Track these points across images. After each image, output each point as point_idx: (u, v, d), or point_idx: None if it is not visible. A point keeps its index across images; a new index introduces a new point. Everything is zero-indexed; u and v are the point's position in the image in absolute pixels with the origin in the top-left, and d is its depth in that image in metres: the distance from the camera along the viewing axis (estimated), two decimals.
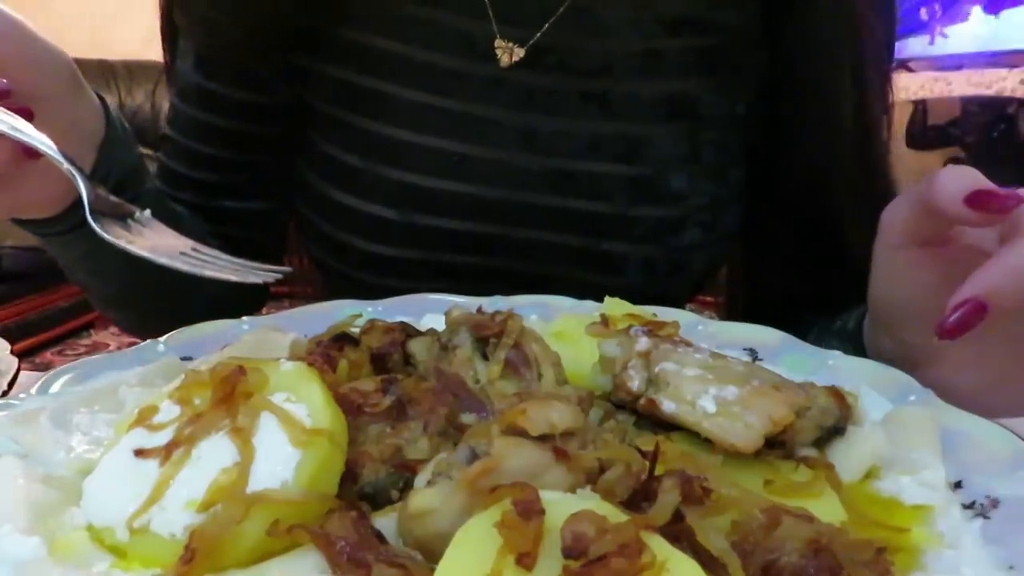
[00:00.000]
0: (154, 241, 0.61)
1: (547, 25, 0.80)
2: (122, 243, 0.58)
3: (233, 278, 0.59)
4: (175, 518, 0.37)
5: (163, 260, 0.58)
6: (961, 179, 0.51)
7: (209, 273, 0.58)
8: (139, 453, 0.40)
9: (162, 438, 0.40)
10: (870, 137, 0.85)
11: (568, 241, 0.83)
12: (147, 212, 0.64)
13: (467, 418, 0.44)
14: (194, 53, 0.88)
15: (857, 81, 0.82)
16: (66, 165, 0.60)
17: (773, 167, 0.88)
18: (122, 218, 0.62)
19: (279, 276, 0.62)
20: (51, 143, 0.60)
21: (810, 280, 0.89)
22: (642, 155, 0.82)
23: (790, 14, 0.82)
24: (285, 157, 0.94)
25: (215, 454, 0.38)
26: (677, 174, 0.83)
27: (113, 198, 0.62)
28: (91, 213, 0.60)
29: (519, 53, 0.80)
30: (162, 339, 0.60)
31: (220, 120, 0.89)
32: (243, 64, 0.86)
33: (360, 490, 0.40)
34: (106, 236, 0.58)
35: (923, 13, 3.51)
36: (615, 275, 0.84)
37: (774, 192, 0.89)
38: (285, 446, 0.38)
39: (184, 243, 0.62)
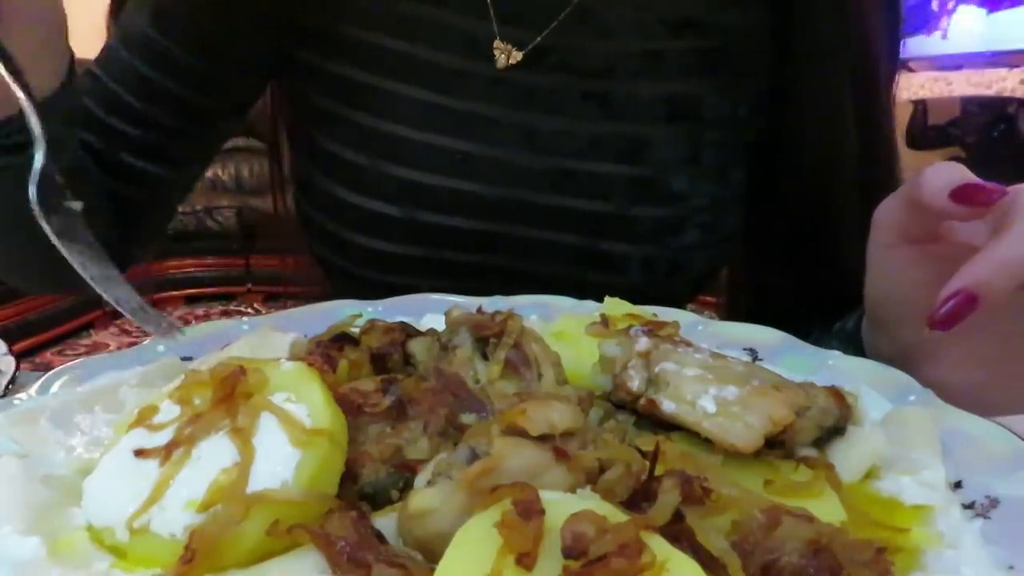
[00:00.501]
0: (80, 243, 0.56)
1: (548, 29, 0.80)
2: (51, 232, 0.53)
3: (132, 319, 0.54)
4: (175, 518, 0.37)
5: (76, 265, 0.53)
6: (946, 175, 0.51)
7: (110, 300, 0.54)
8: (139, 453, 0.40)
9: (162, 438, 0.40)
10: (873, 138, 0.85)
11: (569, 240, 0.83)
12: (78, 205, 0.59)
13: (467, 418, 0.44)
14: (153, 6, 0.85)
15: (859, 80, 0.82)
16: (34, 120, 0.56)
17: (776, 168, 0.88)
18: (55, 201, 0.57)
19: (173, 333, 0.56)
20: (31, 93, 0.56)
21: (811, 281, 0.89)
22: (643, 155, 0.82)
23: (793, 13, 0.82)
24: (208, 131, 0.92)
25: (215, 454, 0.38)
26: (678, 175, 0.83)
27: (58, 178, 0.58)
28: (36, 184, 0.55)
29: (516, 56, 0.80)
30: (162, 339, 0.60)
31: (159, 77, 0.85)
32: (207, 35, 0.84)
33: (360, 490, 0.40)
34: (40, 217, 0.54)
35: (934, 4, 3.51)
36: (616, 275, 0.84)
37: (777, 193, 0.89)
38: (285, 446, 0.38)
39: (101, 261, 0.57)
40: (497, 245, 0.83)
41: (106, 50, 0.88)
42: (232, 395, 0.40)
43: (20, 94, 0.55)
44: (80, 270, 0.53)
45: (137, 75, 0.85)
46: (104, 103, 0.86)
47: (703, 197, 0.84)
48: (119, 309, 0.53)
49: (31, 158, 0.56)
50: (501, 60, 0.80)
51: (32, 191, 0.55)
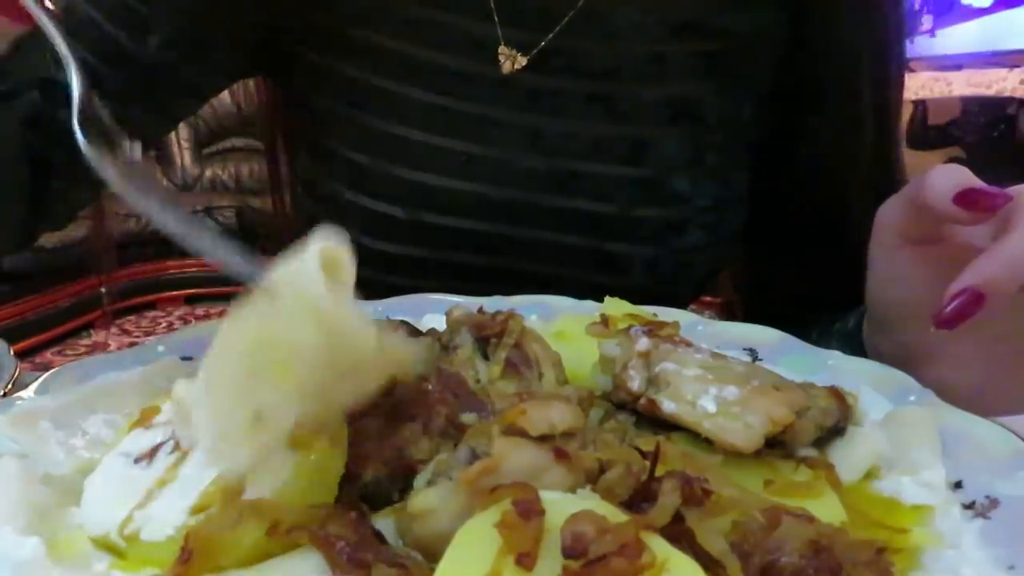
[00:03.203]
0: (140, 187, 0.47)
1: (552, 33, 0.80)
2: (113, 174, 0.45)
3: (216, 260, 0.44)
4: (169, 521, 0.36)
5: (157, 216, 0.44)
6: (950, 178, 0.51)
7: (194, 245, 0.45)
8: (136, 459, 0.40)
9: (161, 441, 0.40)
10: (884, 137, 0.85)
11: (572, 241, 0.83)
12: (136, 146, 0.50)
13: (467, 418, 0.44)
14: None
15: (876, 82, 0.82)
16: (65, 50, 0.49)
17: (784, 168, 0.88)
18: (99, 129, 0.49)
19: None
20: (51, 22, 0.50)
21: (815, 281, 0.89)
22: (646, 157, 0.82)
23: (807, 14, 0.82)
24: (155, 109, 0.86)
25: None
26: (681, 176, 0.83)
27: (106, 113, 0.49)
28: (78, 120, 0.47)
29: (521, 61, 0.80)
30: (162, 339, 0.60)
31: (124, 39, 0.80)
32: (194, 10, 0.80)
33: (360, 490, 0.40)
34: (90, 154, 0.46)
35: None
36: (619, 275, 0.84)
37: (784, 193, 0.89)
38: (284, 448, 0.38)
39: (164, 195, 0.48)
40: (501, 246, 0.83)
41: (66, 4, 0.81)
42: None
43: (41, 15, 0.49)
44: (162, 225, 0.45)
45: (98, 31, 0.79)
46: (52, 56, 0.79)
47: (706, 198, 0.84)
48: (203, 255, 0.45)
49: (66, 86, 0.48)
50: (506, 66, 0.80)
51: (76, 125, 0.48)
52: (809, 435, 0.46)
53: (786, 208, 0.90)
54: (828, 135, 0.86)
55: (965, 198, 0.50)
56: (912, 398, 0.52)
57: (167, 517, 0.37)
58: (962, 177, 0.51)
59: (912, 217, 0.57)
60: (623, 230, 0.83)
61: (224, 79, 0.92)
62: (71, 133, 0.73)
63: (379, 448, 0.42)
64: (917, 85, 3.65)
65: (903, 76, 0.88)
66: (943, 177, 0.52)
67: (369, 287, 0.78)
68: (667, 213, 0.83)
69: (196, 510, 0.36)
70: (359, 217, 0.84)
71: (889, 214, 0.59)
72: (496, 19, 0.80)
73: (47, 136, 0.78)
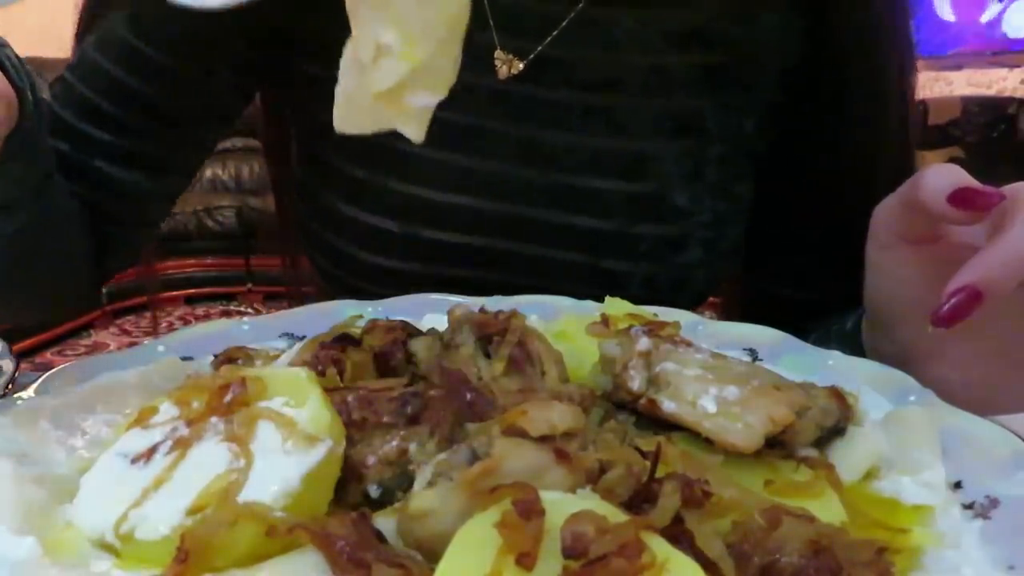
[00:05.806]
0: None
1: (550, 37, 0.79)
2: None
3: None
4: (165, 520, 0.36)
5: None
6: (945, 178, 0.51)
7: None
8: (133, 459, 0.40)
9: (158, 440, 0.40)
10: (907, 138, 0.86)
11: (570, 257, 0.82)
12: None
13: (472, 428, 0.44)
14: (133, 9, 0.81)
15: (902, 78, 0.82)
16: None
17: (795, 175, 0.87)
18: None
19: None
20: None
21: (818, 288, 0.88)
22: (645, 171, 0.81)
23: (839, 15, 0.81)
24: (186, 137, 0.88)
25: (210, 459, 0.38)
26: (680, 191, 0.82)
27: None
28: None
29: (518, 66, 0.79)
30: (162, 339, 0.60)
31: (135, 82, 0.82)
32: (190, 42, 0.81)
33: (365, 491, 0.40)
34: None
35: None
36: (616, 292, 0.83)
37: (791, 200, 0.88)
38: (282, 452, 0.38)
39: None
40: (497, 261, 0.82)
41: (79, 55, 0.85)
42: (230, 401, 0.40)
43: None
44: None
45: (111, 80, 0.82)
46: (76, 108, 0.83)
47: (705, 213, 0.83)
48: None
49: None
50: (503, 71, 0.79)
51: None
52: (809, 435, 0.46)
53: (792, 214, 0.89)
54: (851, 136, 0.84)
55: (959, 197, 0.50)
56: (912, 398, 0.52)
57: (163, 517, 0.36)
58: (956, 176, 0.51)
59: (907, 217, 0.57)
60: (621, 247, 0.82)
61: (241, 100, 0.92)
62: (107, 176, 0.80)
63: (385, 450, 0.42)
64: (917, 85, 3.65)
65: (912, 72, 0.88)
66: (937, 177, 0.52)
67: (364, 298, 0.78)
68: (666, 229, 0.82)
69: (193, 510, 0.36)
70: (353, 230, 0.83)
71: (885, 214, 0.59)
72: (492, 25, 0.79)
73: (87, 183, 0.83)
